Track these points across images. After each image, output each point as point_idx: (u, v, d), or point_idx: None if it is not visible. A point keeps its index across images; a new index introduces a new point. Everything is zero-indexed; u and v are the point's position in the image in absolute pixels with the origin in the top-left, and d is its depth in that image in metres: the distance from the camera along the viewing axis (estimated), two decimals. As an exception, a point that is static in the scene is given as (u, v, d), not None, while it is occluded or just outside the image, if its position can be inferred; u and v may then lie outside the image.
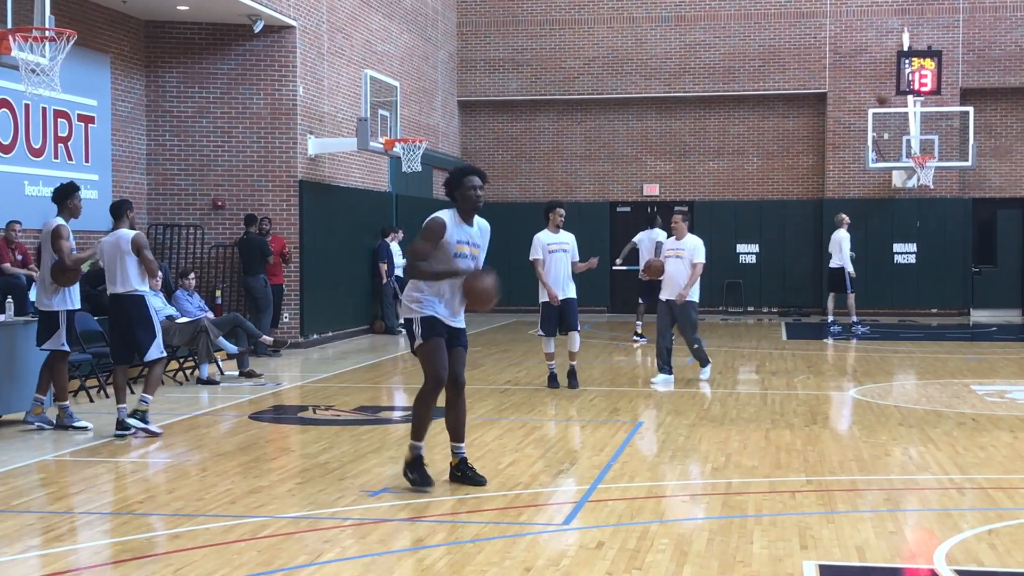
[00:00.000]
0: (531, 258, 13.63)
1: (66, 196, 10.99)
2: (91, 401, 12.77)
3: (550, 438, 10.62)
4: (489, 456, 9.47)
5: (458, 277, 8.04)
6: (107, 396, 13.09)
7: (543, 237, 13.64)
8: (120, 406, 10.75)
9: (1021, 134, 26.62)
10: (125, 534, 7.16)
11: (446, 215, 8.16)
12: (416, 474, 8.19)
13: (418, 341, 8.11)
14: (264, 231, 17.92)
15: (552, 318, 13.64)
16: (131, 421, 10.68)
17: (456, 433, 8.39)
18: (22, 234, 13.93)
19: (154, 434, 10.67)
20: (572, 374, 13.75)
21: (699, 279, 14.04)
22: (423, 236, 8.11)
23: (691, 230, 14.21)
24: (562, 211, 13.76)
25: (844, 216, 22.06)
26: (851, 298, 21.68)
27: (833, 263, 21.76)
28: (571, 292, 13.67)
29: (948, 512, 7.64)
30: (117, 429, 10.64)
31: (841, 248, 21.48)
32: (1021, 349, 19.40)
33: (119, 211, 11.14)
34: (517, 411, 12.04)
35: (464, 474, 8.35)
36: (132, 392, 11.46)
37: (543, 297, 13.62)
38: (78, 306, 11.17)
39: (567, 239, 13.68)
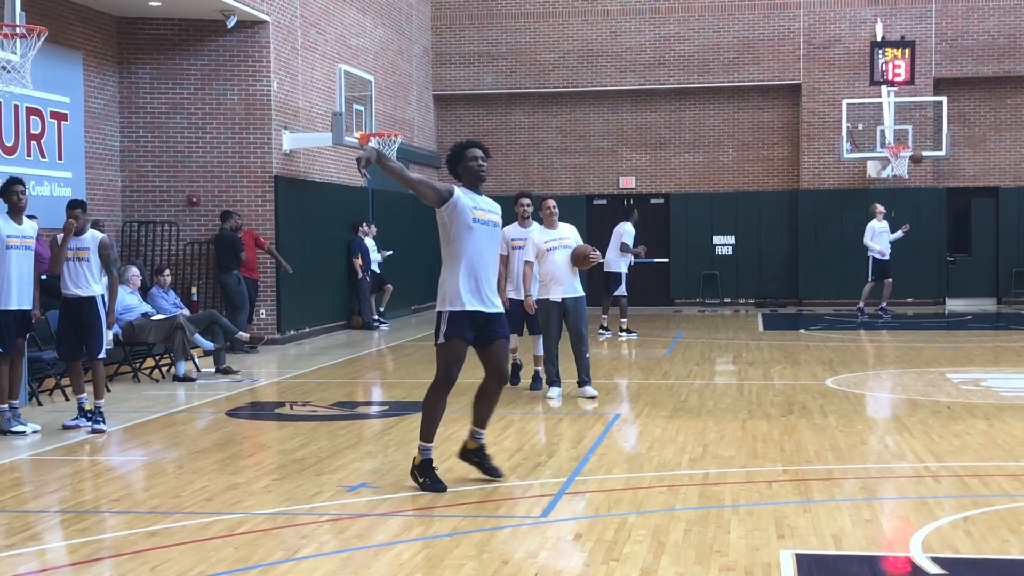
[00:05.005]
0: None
1: (2, 193, 10.74)
2: (67, 399, 12.70)
3: (528, 431, 10.61)
4: (467, 450, 9.46)
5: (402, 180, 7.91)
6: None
7: (509, 231, 12.46)
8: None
9: (994, 123, 26.76)
10: (102, 532, 7.13)
11: (457, 187, 8.08)
12: (427, 478, 8.01)
13: (440, 339, 8.04)
14: (236, 227, 17.84)
15: (516, 317, 12.62)
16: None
17: (482, 420, 8.34)
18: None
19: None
20: (536, 378, 13.14)
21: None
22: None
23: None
24: (527, 201, 12.73)
25: (878, 206, 23.43)
26: (869, 286, 23.35)
27: (876, 253, 23.11)
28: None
29: (924, 500, 7.67)
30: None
31: (874, 236, 23.11)
32: (996, 337, 19.52)
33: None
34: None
35: (482, 461, 8.31)
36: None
37: (508, 294, 12.62)
38: (21, 307, 10.62)
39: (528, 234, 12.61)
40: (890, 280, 23.22)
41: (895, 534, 6.88)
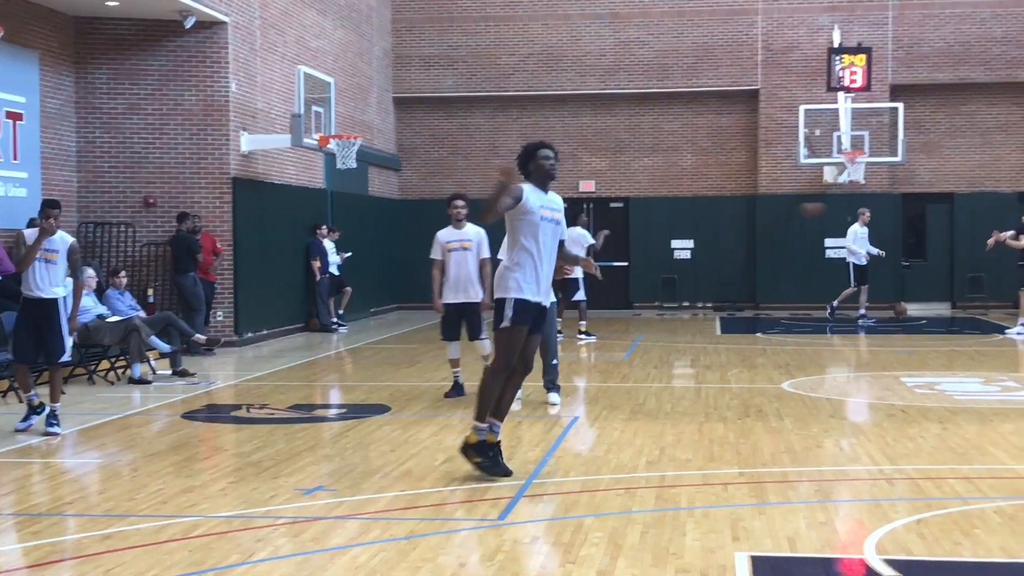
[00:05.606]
0: (430, 256, 12.28)
1: None
2: (20, 401, 12.56)
3: (486, 434, 10.59)
4: (425, 453, 9.46)
5: (503, 187, 8.08)
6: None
7: (443, 234, 12.22)
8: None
9: (950, 129, 27.03)
10: (55, 535, 7.07)
11: (525, 185, 8.38)
12: (483, 458, 8.33)
13: (504, 323, 8.28)
14: (195, 228, 17.73)
15: (452, 322, 12.39)
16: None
17: (501, 411, 8.54)
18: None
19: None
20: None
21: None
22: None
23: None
24: (460, 203, 12.20)
25: (866, 211, 23.38)
26: (848, 291, 23.24)
27: (857, 258, 23.06)
28: (474, 296, 12.23)
29: (878, 502, 7.74)
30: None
31: (856, 240, 23.05)
32: (950, 341, 19.69)
33: None
34: (453, 407, 12.03)
35: (495, 457, 8.49)
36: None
37: (445, 298, 12.26)
38: None
39: (471, 235, 12.25)
40: (867, 286, 23.24)
41: (849, 536, 6.93)
